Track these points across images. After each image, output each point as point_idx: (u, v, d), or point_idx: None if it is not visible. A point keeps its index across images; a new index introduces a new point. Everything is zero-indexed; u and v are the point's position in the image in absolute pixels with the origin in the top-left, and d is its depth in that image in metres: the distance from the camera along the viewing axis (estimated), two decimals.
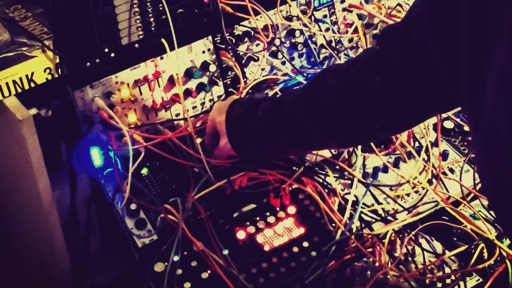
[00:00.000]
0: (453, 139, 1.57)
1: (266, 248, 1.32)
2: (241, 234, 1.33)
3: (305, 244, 1.33)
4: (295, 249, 1.33)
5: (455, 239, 1.39)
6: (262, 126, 1.28)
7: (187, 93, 1.44)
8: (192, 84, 1.45)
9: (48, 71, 1.29)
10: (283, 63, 1.54)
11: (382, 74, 1.13)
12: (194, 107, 1.46)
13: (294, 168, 1.40)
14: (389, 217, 1.38)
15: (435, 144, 1.52)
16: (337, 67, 1.24)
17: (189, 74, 1.43)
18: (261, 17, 1.47)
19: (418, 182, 1.45)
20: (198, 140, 1.37)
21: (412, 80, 1.09)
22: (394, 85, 1.12)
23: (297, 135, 1.26)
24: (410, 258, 1.34)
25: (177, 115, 1.44)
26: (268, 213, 1.37)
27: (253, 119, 1.29)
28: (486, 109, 0.86)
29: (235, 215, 1.37)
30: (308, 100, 1.23)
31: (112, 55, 1.34)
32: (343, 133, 1.23)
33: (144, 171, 1.38)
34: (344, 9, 1.60)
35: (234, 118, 1.32)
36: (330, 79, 1.21)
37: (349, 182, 1.43)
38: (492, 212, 1.43)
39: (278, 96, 1.42)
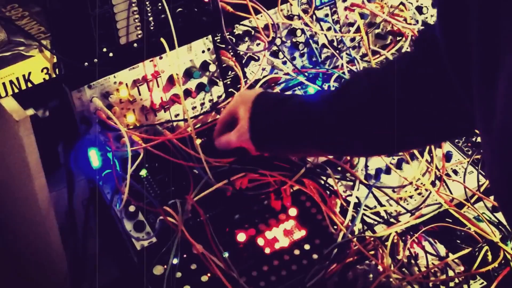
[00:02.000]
0: (456, 140, 1.55)
1: (267, 250, 1.31)
2: (241, 237, 1.32)
3: (307, 246, 1.32)
4: (296, 251, 1.31)
5: (458, 241, 1.38)
6: (288, 122, 1.24)
7: (187, 93, 1.43)
8: (192, 84, 1.43)
9: (45, 71, 1.29)
10: (284, 62, 1.52)
11: (409, 78, 1.11)
12: (193, 108, 1.45)
13: (295, 169, 1.39)
14: (391, 219, 1.37)
15: (438, 145, 1.50)
16: (371, 70, 1.21)
17: (188, 74, 1.42)
18: (261, 16, 1.46)
19: (421, 183, 1.44)
20: (198, 141, 1.36)
21: (436, 89, 1.07)
22: (417, 92, 1.10)
23: (323, 137, 1.23)
24: (413, 261, 1.34)
25: (176, 115, 1.42)
26: (268, 215, 1.36)
27: (280, 112, 1.25)
28: (497, 112, 0.85)
29: (235, 217, 1.36)
30: (338, 102, 1.20)
31: (111, 54, 1.34)
32: (371, 140, 1.20)
33: (143, 172, 1.37)
34: (346, 8, 1.58)
35: (261, 109, 1.28)
36: (362, 82, 1.19)
37: (351, 183, 1.42)
38: (496, 214, 1.42)
39: (309, 94, 1.39)
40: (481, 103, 0.90)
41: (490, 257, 1.33)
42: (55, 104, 1.33)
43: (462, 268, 1.34)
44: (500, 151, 0.86)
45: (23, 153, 1.24)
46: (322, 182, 1.39)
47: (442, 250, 1.36)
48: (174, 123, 1.41)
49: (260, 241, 1.32)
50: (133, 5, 1.32)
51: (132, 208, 1.32)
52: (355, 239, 1.30)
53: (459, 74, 0.95)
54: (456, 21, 0.92)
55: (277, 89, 1.51)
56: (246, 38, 1.48)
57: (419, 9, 1.66)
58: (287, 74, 1.52)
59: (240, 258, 1.29)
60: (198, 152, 1.35)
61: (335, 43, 1.57)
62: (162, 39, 1.35)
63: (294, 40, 1.53)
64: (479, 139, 1.55)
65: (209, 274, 1.27)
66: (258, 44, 1.49)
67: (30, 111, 1.28)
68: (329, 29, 1.57)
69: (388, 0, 1.62)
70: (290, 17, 1.51)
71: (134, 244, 1.30)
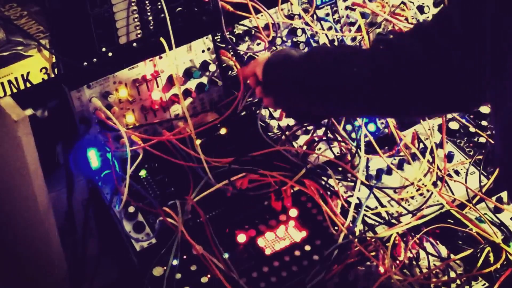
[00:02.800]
0: (458, 141, 1.55)
1: (267, 251, 1.31)
2: (241, 238, 1.31)
3: (307, 247, 1.32)
4: (297, 252, 1.31)
5: (460, 242, 1.37)
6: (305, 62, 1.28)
7: (187, 93, 1.42)
8: (192, 84, 1.43)
9: (44, 70, 1.29)
10: None
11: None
12: (193, 108, 1.44)
13: (296, 170, 1.38)
14: (393, 220, 1.36)
15: (440, 145, 1.50)
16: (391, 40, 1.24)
17: (188, 74, 1.41)
18: (262, 15, 1.45)
19: (423, 184, 1.43)
20: (198, 141, 1.36)
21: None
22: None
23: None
24: (414, 262, 1.33)
25: (176, 115, 1.41)
26: (269, 216, 1.35)
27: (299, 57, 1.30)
28: (507, 99, 0.86)
29: (235, 218, 1.35)
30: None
31: (110, 54, 1.33)
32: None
33: (143, 173, 1.37)
34: (347, 7, 1.58)
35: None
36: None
37: (352, 184, 1.41)
38: (498, 215, 1.42)
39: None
40: (492, 89, 0.92)
41: (492, 258, 1.33)
42: (54, 104, 1.32)
43: (463, 269, 1.33)
44: (507, 137, 0.87)
45: (21, 153, 1.23)
46: (323, 183, 1.39)
47: (443, 251, 1.36)
48: (174, 123, 1.40)
49: (261, 242, 1.32)
50: (133, 4, 1.31)
51: (131, 209, 1.31)
52: (356, 240, 1.29)
53: (473, 61, 0.97)
54: (473, 12, 0.94)
55: None
56: (246, 38, 1.47)
57: (420, 9, 1.65)
58: None
59: (240, 259, 1.28)
60: (198, 152, 1.34)
61: (336, 43, 1.56)
62: (161, 39, 1.35)
63: (294, 39, 1.52)
64: (481, 140, 1.54)
65: (209, 275, 1.26)
66: (258, 44, 1.49)
67: (29, 111, 1.28)
68: (330, 28, 1.56)
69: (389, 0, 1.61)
70: (290, 17, 1.50)
71: (134, 245, 1.29)
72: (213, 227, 1.29)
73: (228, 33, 1.43)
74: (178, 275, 1.25)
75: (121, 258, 1.34)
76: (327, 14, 1.56)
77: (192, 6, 1.38)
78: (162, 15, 1.34)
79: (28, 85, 1.27)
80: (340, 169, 1.43)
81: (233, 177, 1.35)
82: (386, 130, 1.51)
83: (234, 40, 1.45)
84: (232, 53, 1.46)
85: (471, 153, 1.52)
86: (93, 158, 1.34)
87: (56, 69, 1.29)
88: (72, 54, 1.29)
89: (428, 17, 1.67)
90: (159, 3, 1.33)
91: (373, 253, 1.30)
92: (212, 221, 1.30)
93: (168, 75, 1.39)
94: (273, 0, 1.46)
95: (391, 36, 1.56)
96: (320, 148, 1.47)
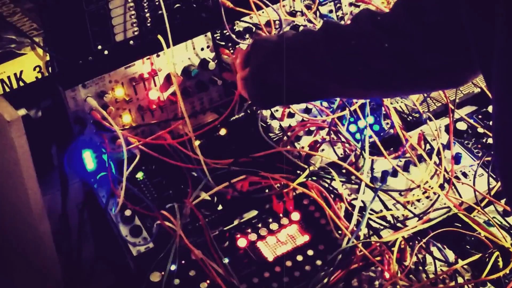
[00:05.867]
0: (466, 142, 1.54)
1: (269, 256, 1.29)
2: (242, 242, 1.30)
3: (310, 252, 1.31)
4: (299, 257, 1.30)
5: (468, 247, 1.36)
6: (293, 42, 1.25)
7: (185, 92, 1.40)
8: (191, 83, 1.41)
9: (38, 69, 1.29)
10: None
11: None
12: (192, 107, 1.42)
13: (298, 171, 1.37)
14: (398, 224, 1.35)
15: (447, 146, 1.49)
16: (375, 13, 1.21)
17: (187, 72, 1.40)
18: (263, 12, 1.44)
19: (429, 187, 1.42)
20: (197, 142, 1.35)
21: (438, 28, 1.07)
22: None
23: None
24: (420, 267, 1.31)
25: (175, 115, 1.39)
26: (270, 220, 1.35)
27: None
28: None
29: (235, 221, 1.34)
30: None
31: (106, 52, 1.33)
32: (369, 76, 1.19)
33: (140, 175, 1.36)
34: (351, 4, 1.57)
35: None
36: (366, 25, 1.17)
37: (356, 186, 1.40)
38: (507, 219, 1.40)
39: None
40: (501, 83, 0.91)
41: (501, 263, 1.31)
42: (48, 104, 1.31)
43: (471, 275, 1.32)
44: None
45: (14, 155, 1.22)
46: (326, 185, 1.37)
47: (451, 256, 1.34)
48: (172, 124, 1.38)
49: (262, 247, 1.30)
50: (129, 1, 1.30)
51: (128, 212, 1.30)
52: (360, 244, 1.28)
53: (481, 52, 0.96)
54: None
55: None
56: (247, 35, 1.46)
57: None
58: None
59: (240, 264, 1.28)
60: (197, 153, 1.33)
61: None
62: (159, 36, 1.34)
63: None
64: (489, 141, 1.53)
65: (208, 281, 1.25)
66: None
67: (22, 111, 1.27)
68: None
69: None
70: (292, 13, 1.49)
71: (130, 250, 1.28)
72: (212, 231, 1.28)
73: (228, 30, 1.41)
74: (177, 281, 1.24)
75: (117, 263, 1.33)
76: (331, 11, 1.54)
77: (191, 3, 1.37)
78: (160, 12, 1.33)
79: (21, 84, 1.27)
80: (343, 171, 1.42)
81: (233, 179, 1.33)
82: (392, 131, 1.49)
83: (234, 38, 1.43)
84: (232, 51, 1.44)
85: (479, 155, 1.50)
86: (89, 159, 1.32)
87: (50, 68, 1.29)
88: (67, 52, 1.28)
89: None
90: (157, 0, 1.32)
91: (378, 258, 1.29)
92: (211, 224, 1.30)
93: (166, 73, 1.38)
94: None
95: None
96: (323, 149, 1.45)
